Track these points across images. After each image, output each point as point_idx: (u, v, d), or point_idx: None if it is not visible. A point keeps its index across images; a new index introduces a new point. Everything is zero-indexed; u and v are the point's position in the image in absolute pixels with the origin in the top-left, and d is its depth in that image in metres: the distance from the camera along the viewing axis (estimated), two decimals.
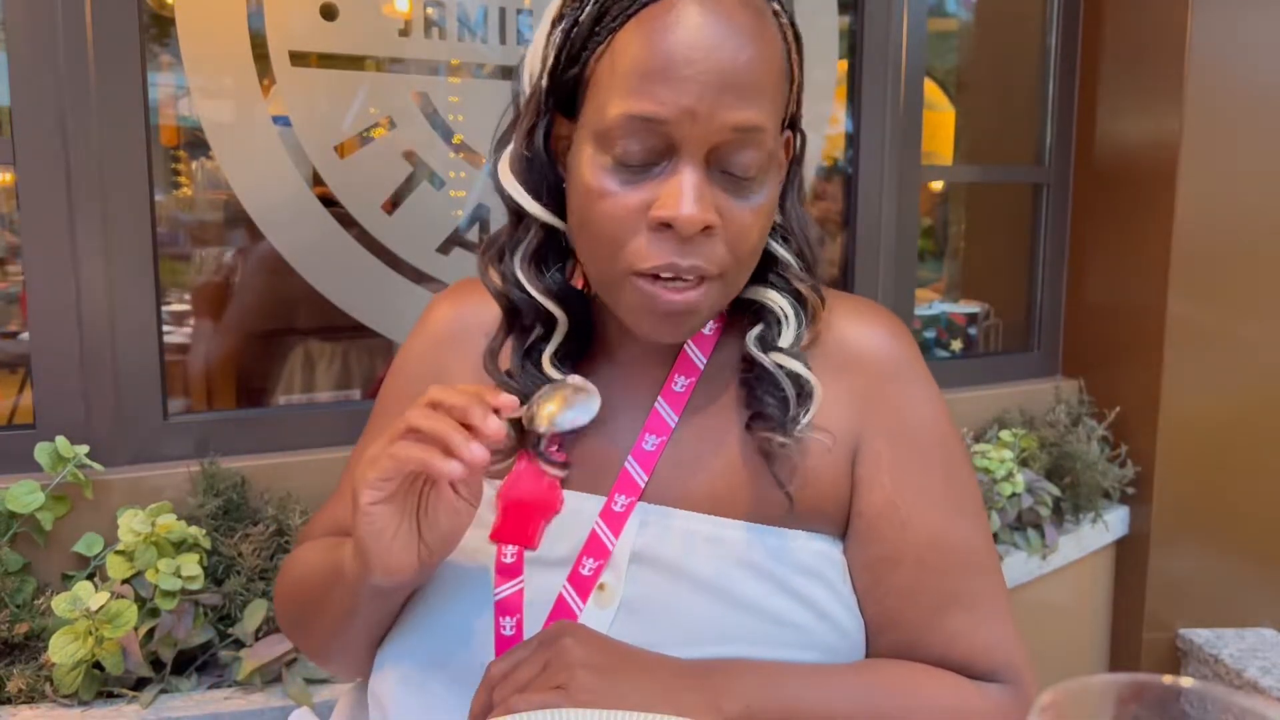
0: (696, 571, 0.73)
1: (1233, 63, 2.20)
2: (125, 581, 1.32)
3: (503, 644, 0.73)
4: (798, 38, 0.73)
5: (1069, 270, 2.49)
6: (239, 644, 1.36)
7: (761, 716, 0.69)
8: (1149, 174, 2.24)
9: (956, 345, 2.70)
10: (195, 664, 1.35)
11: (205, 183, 1.94)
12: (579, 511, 0.76)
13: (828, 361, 0.78)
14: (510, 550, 0.76)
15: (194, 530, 1.39)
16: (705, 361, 0.79)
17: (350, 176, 1.69)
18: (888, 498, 0.77)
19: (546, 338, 0.78)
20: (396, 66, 1.72)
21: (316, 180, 1.68)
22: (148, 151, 1.50)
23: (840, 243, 2.22)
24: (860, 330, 0.80)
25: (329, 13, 1.63)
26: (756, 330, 0.77)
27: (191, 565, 1.32)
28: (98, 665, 1.27)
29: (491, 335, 0.80)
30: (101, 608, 1.23)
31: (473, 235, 1.81)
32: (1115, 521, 2.27)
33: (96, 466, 1.42)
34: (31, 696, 1.26)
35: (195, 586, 1.32)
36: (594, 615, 0.73)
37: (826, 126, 2.17)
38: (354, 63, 1.70)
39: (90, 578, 1.37)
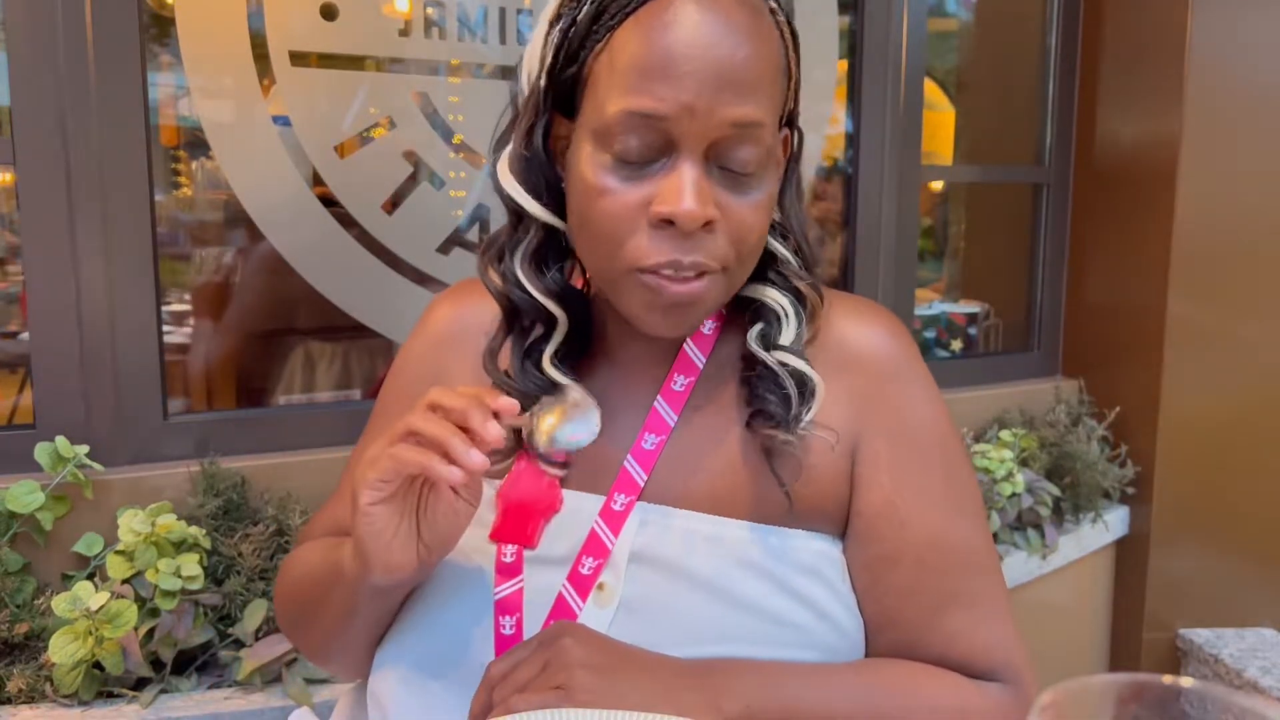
0: (696, 571, 0.73)
1: (1233, 63, 2.20)
2: (125, 581, 1.32)
3: (502, 643, 0.73)
4: (794, 35, 0.74)
5: (1069, 270, 2.49)
6: (239, 644, 1.36)
7: (761, 716, 0.69)
8: (1149, 174, 2.24)
9: (956, 345, 2.70)
10: (195, 664, 1.35)
11: (205, 183, 1.93)
12: (578, 511, 0.76)
13: (827, 361, 0.78)
14: (510, 550, 0.76)
15: (194, 530, 1.39)
16: (704, 360, 0.79)
17: (350, 176, 1.69)
18: (887, 497, 0.77)
19: (546, 338, 0.78)
20: (396, 66, 1.72)
21: (316, 180, 1.67)
22: (148, 151, 1.50)
23: (840, 243, 2.22)
24: (860, 330, 0.80)
25: (329, 13, 1.63)
26: (757, 328, 0.77)
27: (191, 565, 1.32)
28: (98, 665, 1.27)
29: (491, 335, 0.80)
30: (101, 608, 1.23)
31: (473, 235, 1.81)
32: (1115, 521, 2.27)
33: (96, 466, 1.42)
34: (31, 696, 1.26)
35: (195, 586, 1.32)
36: (593, 615, 0.73)
37: (826, 126, 2.17)
38: (354, 63, 1.70)
39: (90, 578, 1.37)
